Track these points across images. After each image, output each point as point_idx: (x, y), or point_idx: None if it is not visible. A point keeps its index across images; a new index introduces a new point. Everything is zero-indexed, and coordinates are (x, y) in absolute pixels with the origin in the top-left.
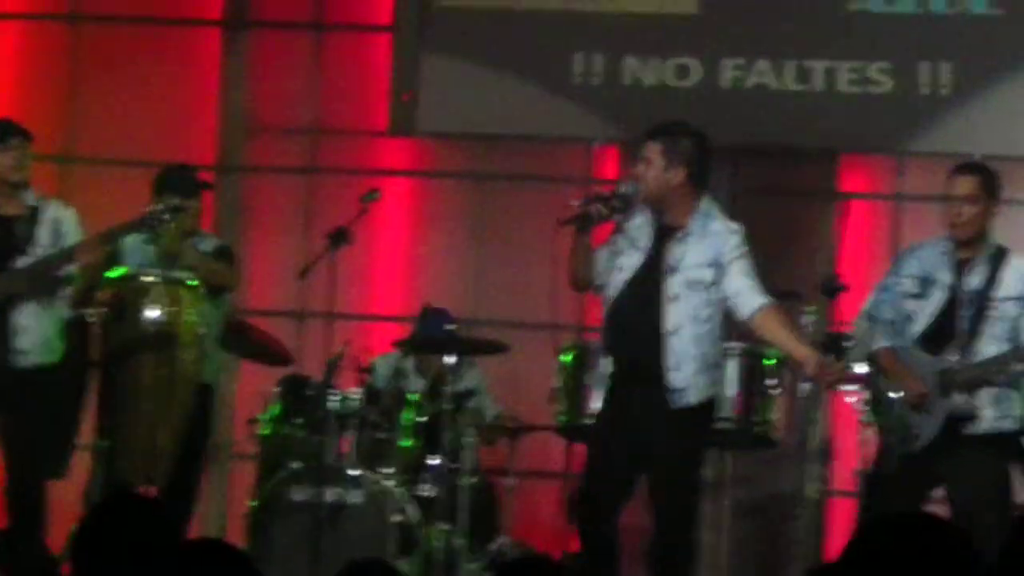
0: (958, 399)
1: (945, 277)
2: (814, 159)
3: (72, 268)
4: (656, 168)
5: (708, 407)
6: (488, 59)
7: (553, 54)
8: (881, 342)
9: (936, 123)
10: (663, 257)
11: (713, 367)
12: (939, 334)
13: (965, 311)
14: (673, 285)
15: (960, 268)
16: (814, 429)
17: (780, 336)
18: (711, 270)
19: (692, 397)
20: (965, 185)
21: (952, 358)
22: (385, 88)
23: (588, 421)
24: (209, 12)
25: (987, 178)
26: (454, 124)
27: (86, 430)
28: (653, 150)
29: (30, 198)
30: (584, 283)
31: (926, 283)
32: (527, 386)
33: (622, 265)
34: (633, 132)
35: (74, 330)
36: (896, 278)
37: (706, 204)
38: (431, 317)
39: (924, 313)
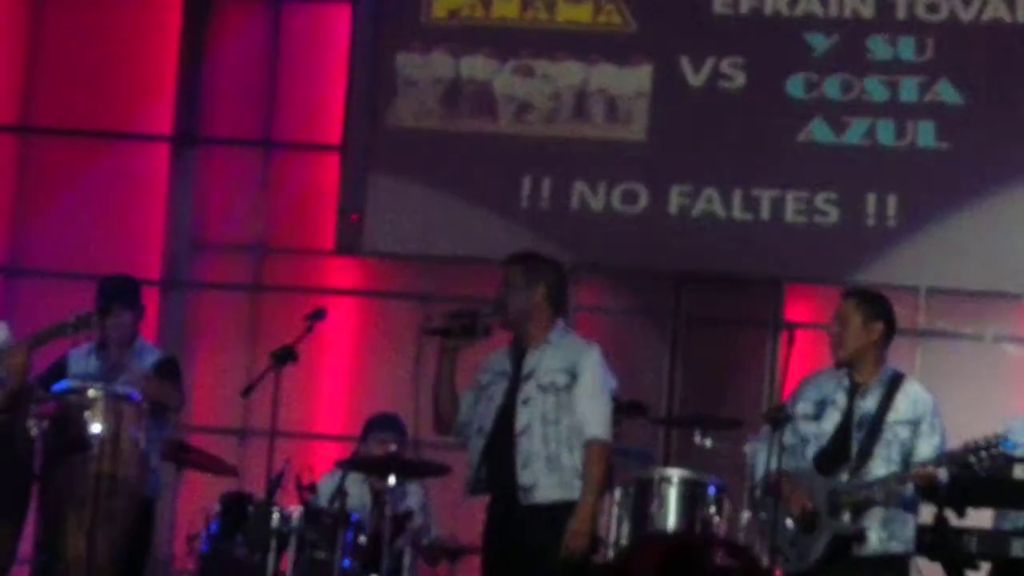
0: (845, 519)
1: (840, 400)
2: (760, 287)
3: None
4: (518, 288)
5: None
6: (436, 181)
7: (502, 177)
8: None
9: (882, 254)
10: (521, 369)
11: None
12: (833, 456)
13: (857, 433)
14: (526, 390)
15: (854, 392)
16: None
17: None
18: (565, 375)
19: (540, 496)
20: (840, 307)
21: (843, 478)
22: (332, 207)
23: None
24: (159, 127)
25: (866, 303)
26: (401, 245)
27: (25, 542)
28: (514, 272)
29: None
30: (447, 421)
31: (822, 406)
32: (469, 508)
33: (492, 395)
34: (581, 256)
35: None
36: (795, 404)
37: (562, 323)
38: (379, 422)
39: (819, 435)
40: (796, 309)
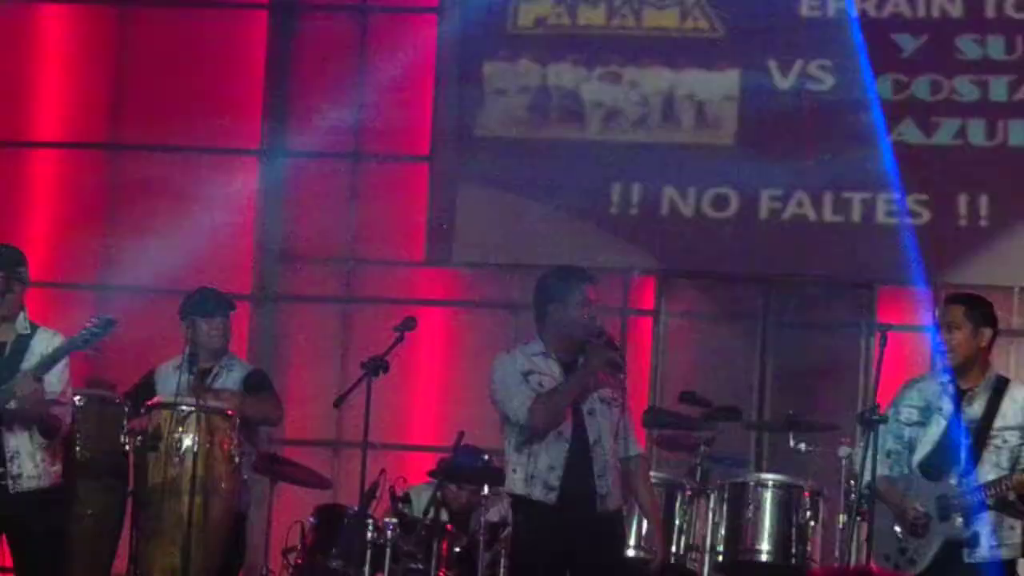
0: (958, 524)
1: (946, 406)
2: (851, 289)
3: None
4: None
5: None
6: (525, 189)
7: (591, 185)
8: (880, 470)
9: (975, 254)
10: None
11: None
12: (941, 461)
13: (965, 440)
14: (589, 401)
15: (960, 398)
16: (853, 561)
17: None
18: (620, 393)
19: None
20: (950, 313)
21: (951, 483)
22: (422, 218)
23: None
24: (247, 141)
25: (975, 309)
26: (491, 254)
27: (120, 560)
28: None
29: (21, 325)
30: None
31: (927, 412)
32: None
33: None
34: (670, 262)
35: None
36: (896, 409)
37: None
38: (463, 450)
39: (925, 441)
40: (888, 311)
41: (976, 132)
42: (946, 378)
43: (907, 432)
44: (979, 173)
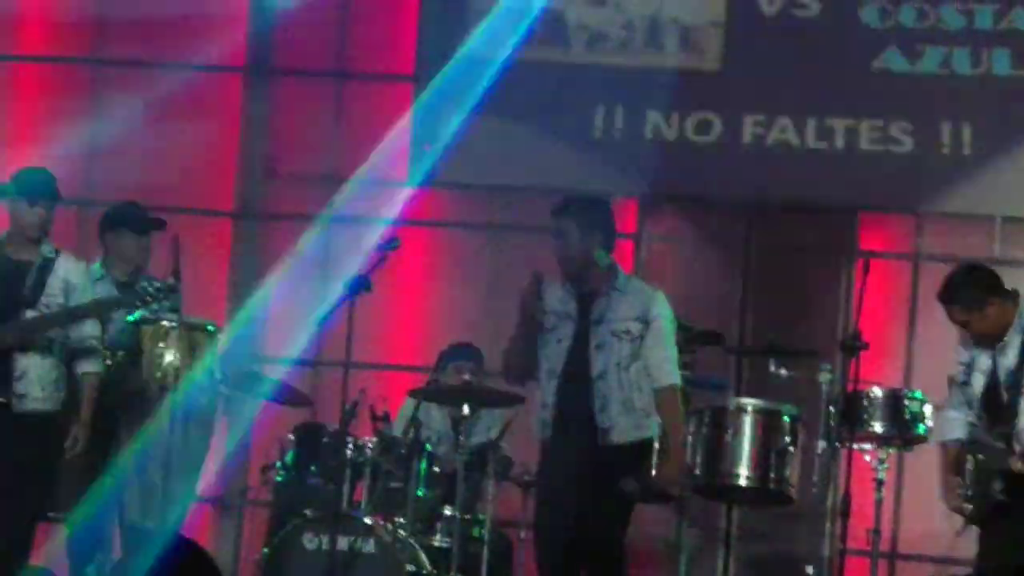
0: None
1: (983, 362)
2: (833, 216)
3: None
4: (573, 238)
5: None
6: (509, 110)
7: (574, 107)
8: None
9: (957, 183)
10: (590, 313)
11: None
12: (987, 413)
13: (1005, 392)
14: (598, 335)
15: (996, 351)
16: (831, 487)
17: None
18: (638, 324)
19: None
20: (975, 304)
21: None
22: (405, 138)
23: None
24: (232, 59)
25: (997, 292)
26: (473, 175)
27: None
28: (567, 224)
29: (47, 248)
30: (522, 371)
31: (969, 369)
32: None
33: (559, 337)
34: (653, 186)
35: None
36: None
37: (620, 267)
38: (456, 351)
39: (971, 399)
40: (870, 238)
41: (961, 61)
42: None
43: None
44: (963, 102)
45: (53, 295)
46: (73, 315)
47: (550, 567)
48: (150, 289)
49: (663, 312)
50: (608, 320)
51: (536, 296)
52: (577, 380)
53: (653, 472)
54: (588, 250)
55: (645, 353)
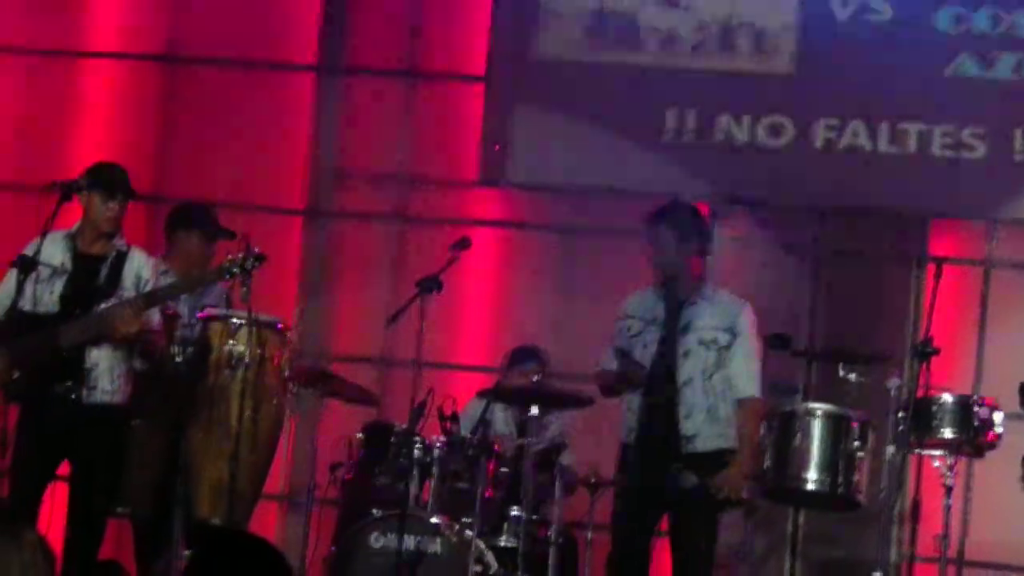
0: None
1: None
2: (904, 221)
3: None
4: (670, 246)
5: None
6: (580, 112)
7: (646, 109)
8: None
9: None
10: (678, 320)
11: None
12: None
13: None
14: (686, 343)
15: None
16: (899, 492)
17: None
18: (726, 334)
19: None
20: None
21: None
22: (476, 138)
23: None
24: (303, 57)
25: None
26: (544, 176)
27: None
28: (666, 232)
29: (119, 242)
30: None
31: None
32: (609, 440)
33: (645, 342)
34: (724, 189)
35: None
36: None
37: (708, 279)
38: (522, 355)
39: None
40: (940, 243)
41: None
42: None
43: None
44: None
45: (126, 288)
46: (172, 291)
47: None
48: (238, 259)
49: (750, 324)
50: (696, 329)
51: (637, 379)
52: (662, 386)
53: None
54: (682, 258)
55: (730, 363)
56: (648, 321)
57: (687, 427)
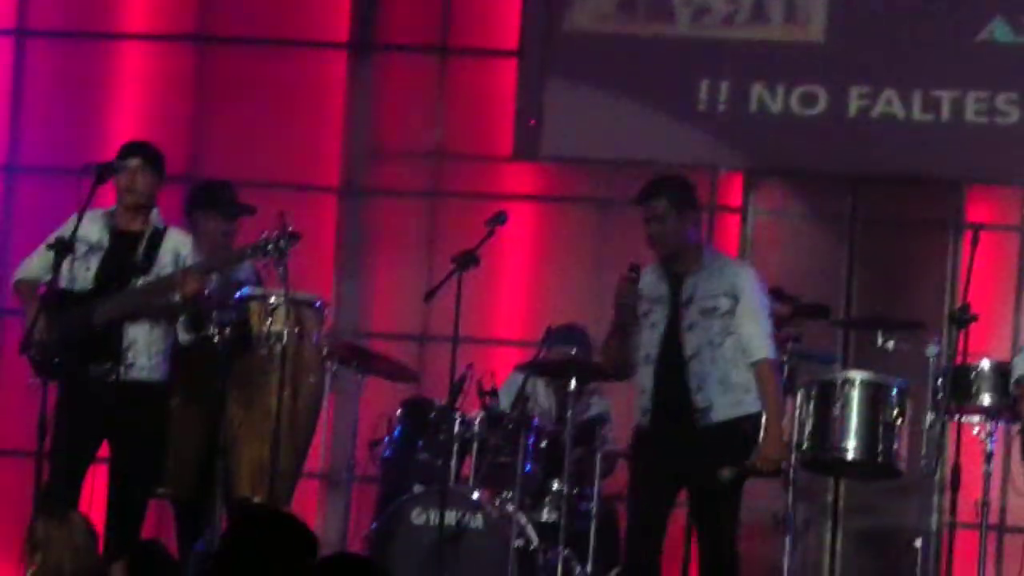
0: None
1: None
2: (939, 188)
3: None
4: (669, 220)
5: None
6: (613, 84)
7: (679, 80)
8: None
9: None
10: (680, 294)
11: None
12: None
13: None
14: (689, 315)
15: None
16: (939, 460)
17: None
18: (727, 299)
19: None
20: None
21: None
22: (509, 113)
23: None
24: (336, 35)
25: None
26: (578, 149)
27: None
28: (661, 207)
29: (156, 219)
30: (619, 367)
31: None
32: None
33: (654, 322)
34: (758, 160)
35: (191, 353)
36: None
37: (706, 244)
38: (562, 335)
39: None
40: (976, 210)
41: None
42: None
43: None
44: None
45: (164, 265)
46: (224, 262)
47: (638, 558)
48: (273, 236)
49: (752, 284)
50: (697, 299)
51: (635, 287)
52: (672, 363)
53: (753, 456)
54: (682, 230)
55: (737, 328)
56: (654, 300)
57: (699, 400)
